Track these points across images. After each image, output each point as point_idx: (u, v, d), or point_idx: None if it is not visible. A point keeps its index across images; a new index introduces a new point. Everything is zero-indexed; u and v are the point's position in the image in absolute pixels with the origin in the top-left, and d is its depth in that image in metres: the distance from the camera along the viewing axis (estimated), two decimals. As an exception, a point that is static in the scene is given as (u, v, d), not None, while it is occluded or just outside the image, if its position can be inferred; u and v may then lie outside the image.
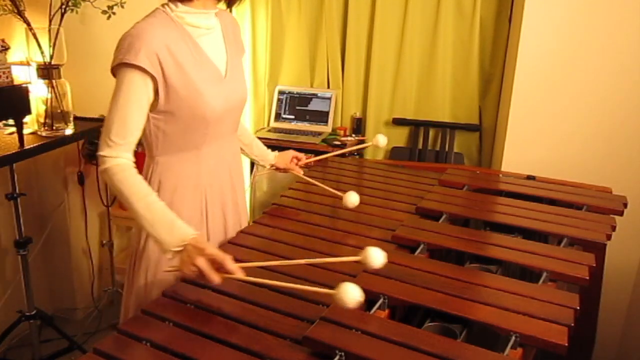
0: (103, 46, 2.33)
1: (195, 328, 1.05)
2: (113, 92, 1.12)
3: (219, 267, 1.01)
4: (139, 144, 1.16)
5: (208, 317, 1.09)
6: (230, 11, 1.37)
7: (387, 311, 1.14)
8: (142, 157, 1.21)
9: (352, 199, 1.54)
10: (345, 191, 1.57)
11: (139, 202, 1.07)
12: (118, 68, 1.11)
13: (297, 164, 1.65)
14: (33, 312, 2.09)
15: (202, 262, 0.99)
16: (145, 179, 1.22)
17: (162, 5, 1.19)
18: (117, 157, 1.09)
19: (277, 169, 1.65)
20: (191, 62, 1.15)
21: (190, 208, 1.27)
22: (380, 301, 1.13)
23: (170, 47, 1.11)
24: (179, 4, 1.16)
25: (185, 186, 1.23)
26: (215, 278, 1.01)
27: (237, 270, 1.03)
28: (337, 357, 0.96)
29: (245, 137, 1.52)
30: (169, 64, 1.11)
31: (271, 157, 1.62)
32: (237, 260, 1.06)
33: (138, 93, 1.10)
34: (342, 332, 1.02)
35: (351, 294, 0.92)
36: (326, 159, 1.89)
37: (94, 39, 2.37)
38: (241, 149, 1.49)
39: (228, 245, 1.41)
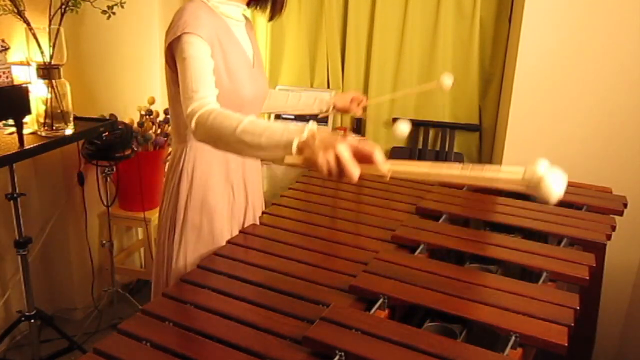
0: (103, 46, 2.34)
1: (195, 328, 1.05)
2: (180, 60, 1.10)
3: (361, 159, 0.82)
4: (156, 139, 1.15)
5: (208, 317, 1.09)
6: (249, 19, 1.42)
7: (387, 311, 1.14)
8: (148, 156, 1.22)
9: (402, 127, 1.51)
10: (344, 190, 1.57)
11: (243, 121, 0.94)
12: (179, 39, 1.11)
13: (358, 105, 1.60)
14: (33, 312, 2.09)
15: (344, 150, 0.79)
16: (178, 164, 1.26)
17: None
18: (204, 103, 1.03)
19: (337, 109, 1.59)
20: (231, 49, 1.21)
21: (220, 190, 1.34)
22: (380, 301, 1.13)
23: (216, 31, 1.17)
24: None
25: (218, 170, 1.29)
26: (357, 171, 0.80)
27: (384, 163, 0.82)
28: (337, 357, 0.96)
29: (290, 99, 1.54)
30: (215, 47, 1.16)
31: (326, 97, 1.57)
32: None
33: (205, 52, 1.11)
34: (342, 332, 1.02)
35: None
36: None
37: (94, 39, 2.37)
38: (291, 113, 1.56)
39: (227, 245, 1.41)
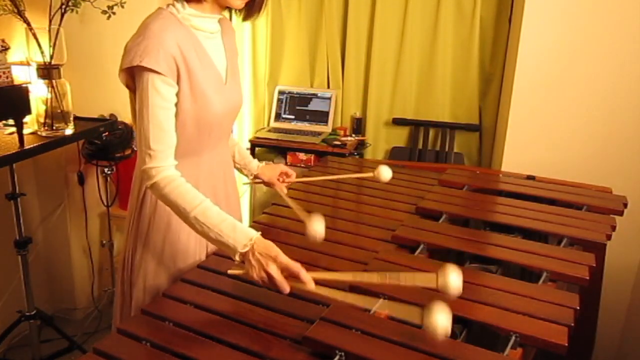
0: (103, 46, 2.34)
1: (195, 328, 1.05)
2: (138, 98, 1.06)
3: (288, 275, 0.96)
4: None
5: (208, 317, 1.09)
6: (230, 18, 1.34)
7: (387, 311, 1.14)
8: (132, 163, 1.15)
9: (384, 173, 1.49)
10: (344, 190, 1.57)
11: (197, 205, 1.01)
12: (138, 70, 1.05)
13: (284, 181, 1.49)
14: (33, 312, 2.09)
15: (274, 271, 0.95)
16: (140, 187, 1.20)
17: (167, 6, 1.15)
18: (162, 167, 1.04)
19: (262, 181, 1.49)
20: (199, 66, 1.12)
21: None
22: (380, 301, 1.13)
23: (183, 50, 1.08)
24: (187, 6, 1.12)
25: None
26: (287, 287, 0.95)
27: (309, 281, 0.96)
28: (337, 357, 0.96)
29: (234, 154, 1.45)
30: (182, 68, 1.08)
31: (254, 166, 1.47)
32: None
33: (167, 95, 1.05)
34: (342, 332, 1.02)
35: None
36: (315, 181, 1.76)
37: (94, 39, 2.37)
38: None
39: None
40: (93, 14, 2.12)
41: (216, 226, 1.00)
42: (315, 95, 2.84)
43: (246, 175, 1.51)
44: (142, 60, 1.03)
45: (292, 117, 2.87)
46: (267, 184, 1.49)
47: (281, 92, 2.89)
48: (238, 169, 1.49)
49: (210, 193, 1.18)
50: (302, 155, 2.65)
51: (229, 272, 1.06)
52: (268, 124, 2.94)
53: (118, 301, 1.34)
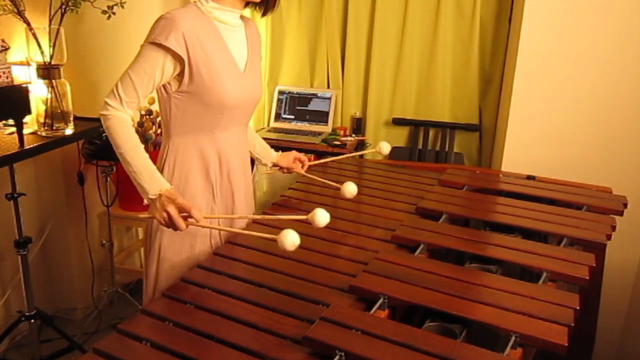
0: (103, 46, 2.34)
1: (195, 328, 1.05)
2: (138, 53, 1.22)
3: (186, 216, 1.14)
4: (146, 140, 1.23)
5: (208, 317, 1.09)
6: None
7: (387, 311, 1.14)
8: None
9: (349, 188, 1.54)
10: (342, 199, 1.57)
11: (128, 150, 1.20)
12: (150, 44, 1.21)
13: (302, 167, 1.67)
14: (33, 312, 2.09)
15: (172, 209, 1.12)
16: (162, 157, 1.34)
17: (194, 2, 1.29)
18: (119, 109, 1.21)
19: (280, 168, 1.66)
20: (215, 52, 1.25)
21: (200, 187, 1.36)
22: (380, 301, 1.13)
23: (199, 34, 1.22)
24: (210, 0, 1.27)
25: (198, 166, 1.33)
26: (182, 224, 1.13)
27: (201, 219, 1.15)
28: (337, 357, 0.96)
29: (248, 133, 1.56)
30: (196, 49, 1.21)
31: (273, 155, 1.64)
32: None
33: (155, 67, 1.20)
34: (342, 332, 1.02)
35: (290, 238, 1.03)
36: (330, 161, 1.90)
37: (94, 39, 2.37)
38: None
39: (227, 245, 1.41)
40: (93, 14, 2.12)
41: (138, 167, 1.18)
42: (315, 95, 2.84)
43: (264, 165, 1.65)
44: (154, 39, 1.19)
45: (292, 117, 2.87)
46: (287, 170, 1.65)
47: (281, 92, 2.89)
48: (257, 158, 1.63)
49: (224, 172, 1.35)
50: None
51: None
52: (268, 124, 2.94)
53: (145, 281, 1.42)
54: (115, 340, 1.03)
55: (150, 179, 1.19)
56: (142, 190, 1.20)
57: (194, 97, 1.26)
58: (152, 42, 1.20)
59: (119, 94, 1.22)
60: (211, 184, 1.37)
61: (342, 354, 0.96)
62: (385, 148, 1.76)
